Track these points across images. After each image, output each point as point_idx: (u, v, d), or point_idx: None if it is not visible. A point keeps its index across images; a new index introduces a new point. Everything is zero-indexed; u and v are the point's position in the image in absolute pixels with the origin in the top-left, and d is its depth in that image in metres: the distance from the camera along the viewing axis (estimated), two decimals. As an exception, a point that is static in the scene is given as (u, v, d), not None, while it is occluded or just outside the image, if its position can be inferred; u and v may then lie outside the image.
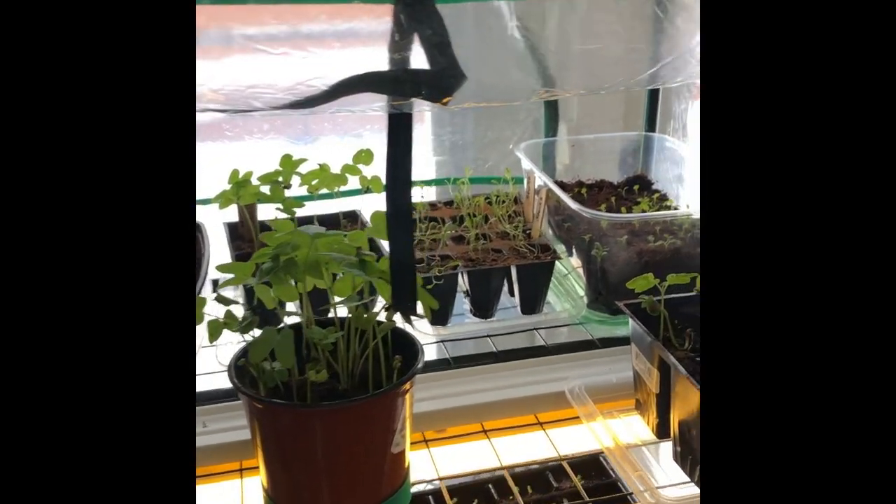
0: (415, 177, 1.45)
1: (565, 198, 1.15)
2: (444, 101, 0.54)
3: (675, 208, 1.30)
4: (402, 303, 0.67)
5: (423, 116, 1.61)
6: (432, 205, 1.32)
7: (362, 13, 0.53)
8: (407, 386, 0.77)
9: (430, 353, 1.10)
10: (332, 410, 0.72)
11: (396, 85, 0.54)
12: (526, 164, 1.29)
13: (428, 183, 1.32)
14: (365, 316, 0.79)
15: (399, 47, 0.52)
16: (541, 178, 1.23)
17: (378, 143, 1.68)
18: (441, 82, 0.53)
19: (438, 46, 0.52)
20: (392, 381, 0.76)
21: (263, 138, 1.52)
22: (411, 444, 0.94)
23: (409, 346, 0.81)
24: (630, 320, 0.90)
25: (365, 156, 1.14)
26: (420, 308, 0.79)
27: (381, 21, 0.51)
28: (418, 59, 0.54)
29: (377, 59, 0.52)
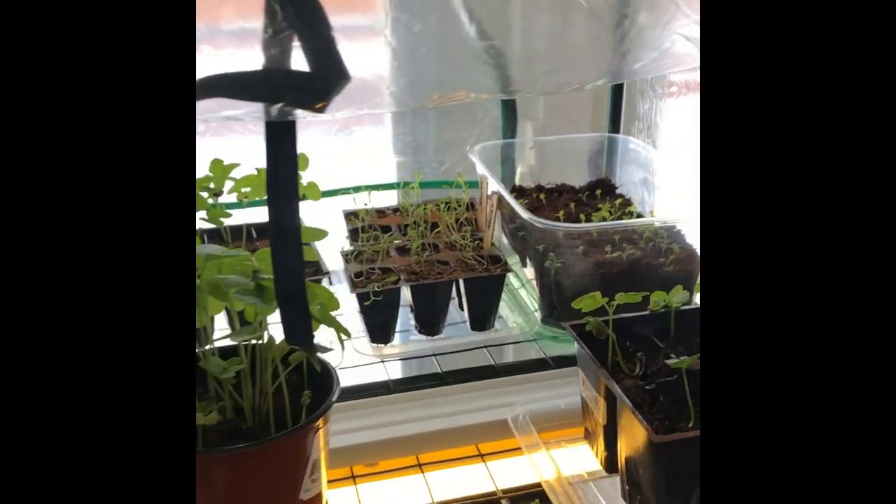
0: (373, 180, 1.40)
1: (516, 205, 1.07)
2: (318, 106, 0.46)
3: (639, 215, 1.22)
4: (295, 338, 0.59)
5: (384, 115, 1.53)
6: (380, 212, 1.24)
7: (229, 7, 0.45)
8: (319, 423, 0.69)
9: (370, 375, 1.02)
10: (226, 456, 0.64)
11: (260, 88, 0.46)
12: (480, 168, 1.21)
13: (375, 188, 1.24)
14: (276, 344, 0.71)
15: (271, 45, 0.44)
16: (493, 183, 1.15)
17: (373, 139, 1.63)
18: (313, 85, 0.46)
19: (316, 43, 0.44)
20: (301, 418, 0.67)
21: (246, 135, 1.45)
22: (337, 480, 0.86)
23: (325, 378, 0.73)
24: (576, 343, 0.82)
25: (300, 161, 1.06)
26: (334, 335, 0.70)
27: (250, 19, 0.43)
28: (294, 59, 0.45)
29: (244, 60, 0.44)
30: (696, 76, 1.16)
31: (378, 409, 0.93)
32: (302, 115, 0.48)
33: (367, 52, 0.63)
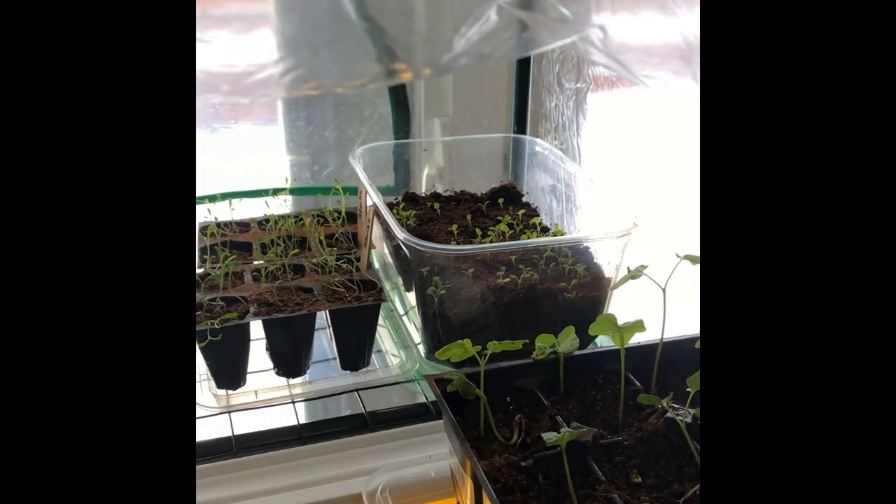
0: (255, 185, 1.21)
1: (391, 220, 0.89)
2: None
3: (544, 227, 1.06)
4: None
5: (276, 109, 1.33)
6: (242, 225, 1.05)
7: None
8: None
9: (212, 430, 0.84)
10: None
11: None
12: (359, 174, 1.03)
13: (237, 195, 1.05)
14: None
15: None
16: (370, 193, 0.98)
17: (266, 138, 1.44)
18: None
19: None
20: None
21: None
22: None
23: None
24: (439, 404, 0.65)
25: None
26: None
27: None
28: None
29: None
30: (606, 71, 1.01)
31: (211, 479, 0.75)
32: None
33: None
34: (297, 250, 0.97)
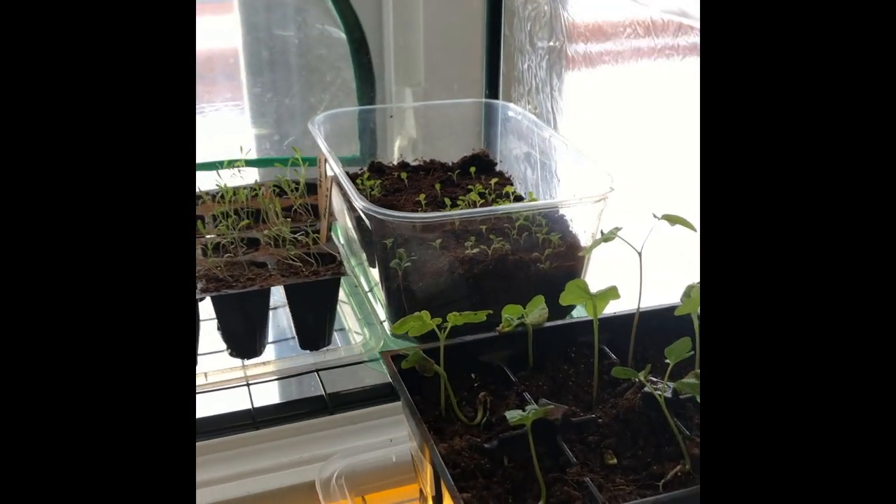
0: (201, 159, 1.14)
1: (351, 190, 0.83)
2: None
3: (518, 196, 1.00)
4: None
5: (239, 76, 1.26)
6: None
7: None
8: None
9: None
10: None
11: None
12: (319, 142, 0.96)
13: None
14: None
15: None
16: (329, 162, 0.91)
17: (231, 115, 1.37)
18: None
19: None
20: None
21: None
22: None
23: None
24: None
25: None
26: None
27: None
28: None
29: None
30: (583, 20, 0.94)
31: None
32: None
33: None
34: (247, 221, 0.90)
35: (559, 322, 0.66)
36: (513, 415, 0.51)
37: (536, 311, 0.62)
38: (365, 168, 1.09)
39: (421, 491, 0.65)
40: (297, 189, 0.97)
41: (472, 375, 0.63)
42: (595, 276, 0.87)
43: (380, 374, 0.89)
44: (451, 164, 1.11)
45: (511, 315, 0.63)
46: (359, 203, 0.80)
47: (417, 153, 1.14)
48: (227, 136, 1.29)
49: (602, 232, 0.62)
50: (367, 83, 1.08)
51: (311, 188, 1.00)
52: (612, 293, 0.59)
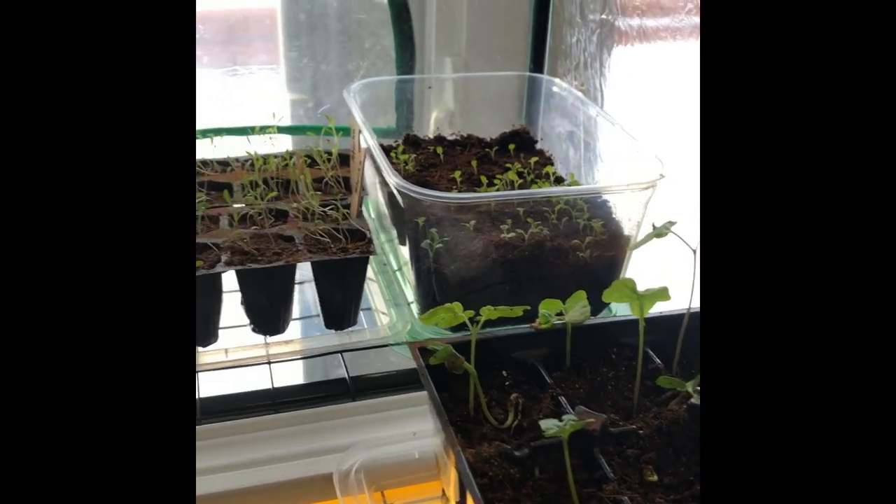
0: (232, 123, 1.11)
1: (384, 164, 0.79)
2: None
3: (559, 178, 0.95)
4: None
5: (275, 38, 1.22)
6: (223, 164, 0.95)
7: None
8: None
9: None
10: None
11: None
12: (354, 112, 0.92)
13: (218, 132, 0.95)
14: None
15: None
16: (364, 133, 0.87)
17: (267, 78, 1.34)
18: None
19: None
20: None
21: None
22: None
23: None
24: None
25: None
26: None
27: None
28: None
29: None
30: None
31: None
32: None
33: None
34: (274, 192, 0.87)
35: (600, 320, 0.62)
36: (548, 425, 0.47)
37: (577, 309, 0.57)
38: (399, 141, 1.05)
39: (443, 490, 0.62)
40: (329, 160, 0.93)
41: (504, 373, 0.59)
42: (636, 268, 0.82)
43: (404, 359, 0.85)
44: (489, 139, 1.06)
45: (549, 310, 0.58)
46: (392, 179, 0.76)
47: (454, 127, 1.09)
48: (262, 102, 1.26)
49: (653, 226, 0.57)
50: (406, 51, 1.03)
51: (343, 159, 0.96)
52: (661, 294, 0.55)
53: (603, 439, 0.51)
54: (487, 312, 0.54)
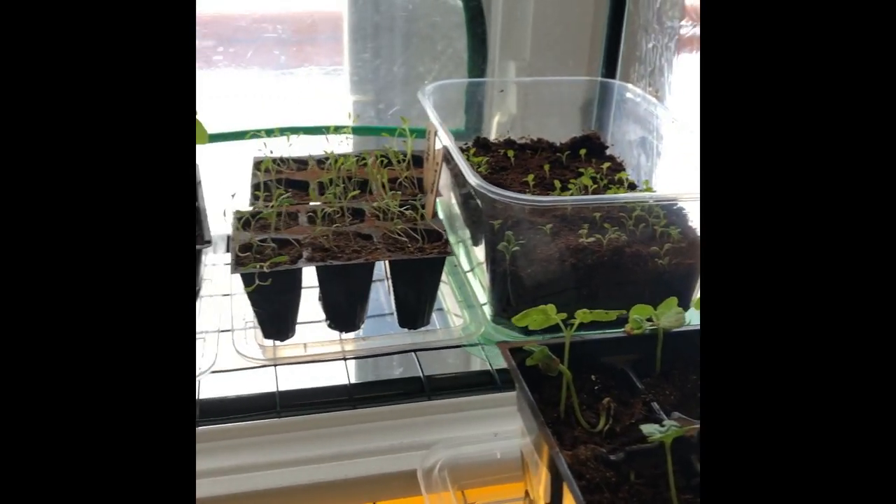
0: (308, 121, 1.13)
1: (464, 165, 0.79)
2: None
3: (631, 184, 0.95)
4: None
5: (342, 40, 1.23)
6: (299, 162, 0.97)
7: None
8: None
9: (257, 382, 0.77)
10: None
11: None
12: (430, 114, 0.93)
13: (294, 130, 0.96)
14: None
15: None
16: (441, 135, 0.87)
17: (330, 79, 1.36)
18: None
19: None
20: None
21: (247, 67, 1.20)
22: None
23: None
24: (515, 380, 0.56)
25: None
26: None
27: None
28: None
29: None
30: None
31: (251, 439, 0.68)
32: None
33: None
34: (355, 192, 0.88)
35: (689, 328, 0.61)
36: (650, 430, 0.47)
37: (672, 315, 0.57)
38: (470, 143, 1.05)
39: (527, 492, 0.62)
40: (404, 160, 0.94)
41: (593, 377, 0.59)
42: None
43: (474, 360, 0.86)
44: (559, 144, 1.06)
45: (640, 315, 0.58)
46: (472, 180, 0.77)
47: (516, 131, 1.09)
48: (321, 101, 1.27)
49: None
50: (479, 55, 1.04)
51: (415, 160, 0.97)
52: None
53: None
54: (582, 316, 0.55)
